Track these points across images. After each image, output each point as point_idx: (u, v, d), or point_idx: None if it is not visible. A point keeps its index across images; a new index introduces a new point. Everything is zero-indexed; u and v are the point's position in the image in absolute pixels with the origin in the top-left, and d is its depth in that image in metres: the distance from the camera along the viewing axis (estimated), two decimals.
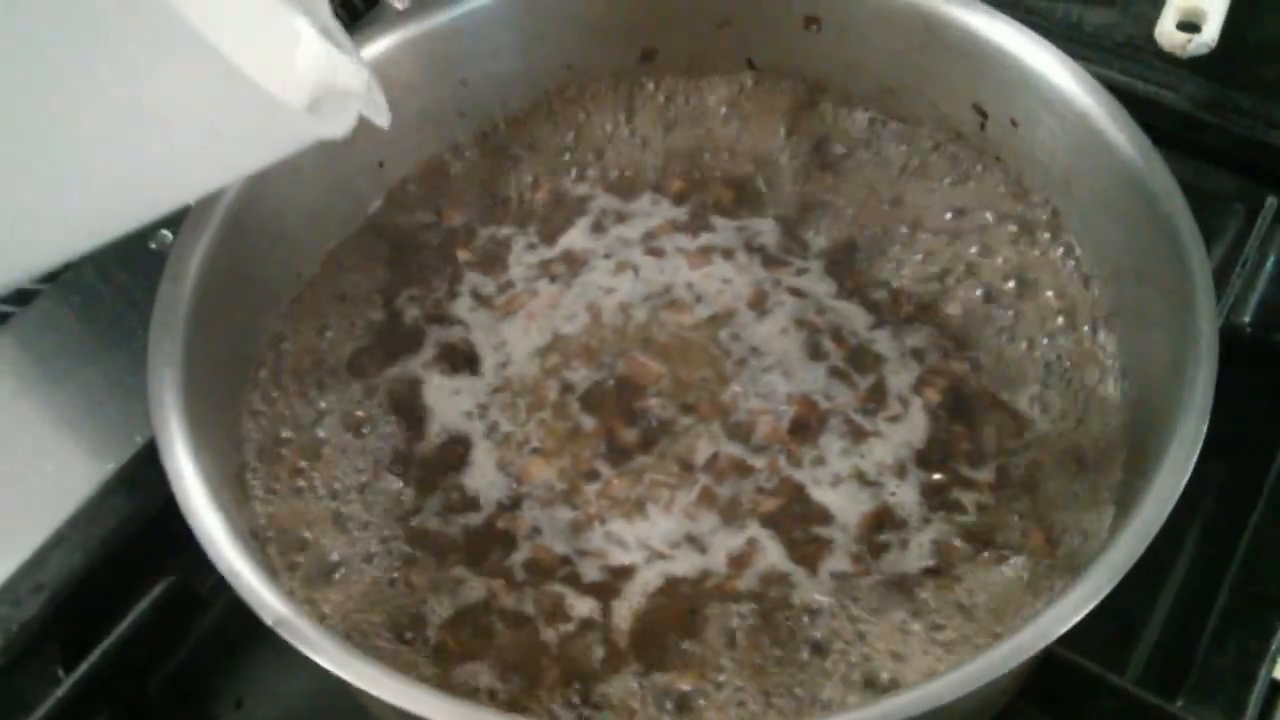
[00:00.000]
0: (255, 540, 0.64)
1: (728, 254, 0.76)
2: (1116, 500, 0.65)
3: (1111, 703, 0.65)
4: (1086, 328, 0.71)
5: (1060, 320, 0.71)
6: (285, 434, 0.69)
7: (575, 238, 0.77)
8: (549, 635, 0.63)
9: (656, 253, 0.76)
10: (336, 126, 0.55)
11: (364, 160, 0.77)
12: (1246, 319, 0.79)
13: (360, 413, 0.70)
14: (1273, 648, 0.66)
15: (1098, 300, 0.71)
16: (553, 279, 0.75)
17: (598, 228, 0.78)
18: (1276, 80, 0.86)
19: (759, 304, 0.74)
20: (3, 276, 0.53)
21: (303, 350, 0.73)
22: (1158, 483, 0.57)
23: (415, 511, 0.67)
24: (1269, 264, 0.81)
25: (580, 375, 0.71)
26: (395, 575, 0.65)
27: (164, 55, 0.44)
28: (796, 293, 0.74)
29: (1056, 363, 0.70)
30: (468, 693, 0.61)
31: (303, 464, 0.68)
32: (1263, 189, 0.82)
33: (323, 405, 0.71)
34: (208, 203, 0.68)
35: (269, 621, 0.54)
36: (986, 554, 0.64)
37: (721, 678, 0.61)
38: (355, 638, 0.62)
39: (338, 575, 0.65)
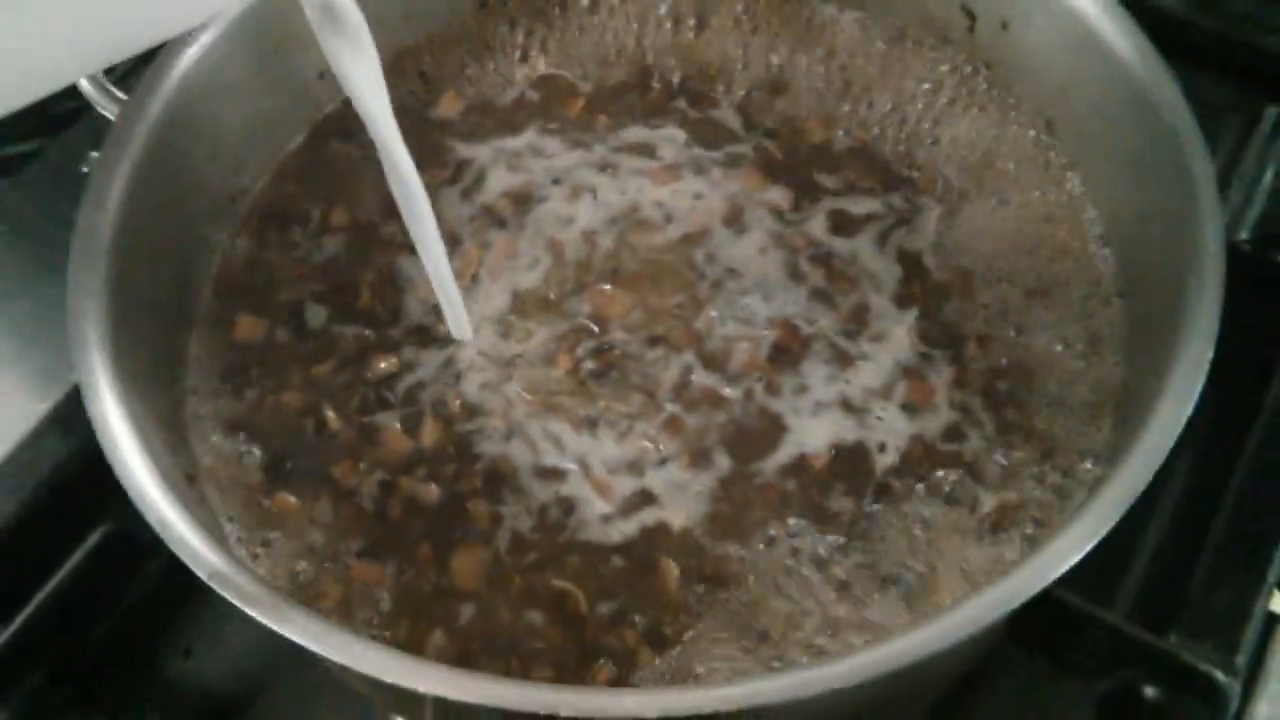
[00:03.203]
0: (193, 487, 0.60)
1: (699, 168, 0.71)
2: (1116, 424, 0.61)
3: (1101, 640, 0.63)
4: (1083, 244, 0.67)
5: (1057, 235, 0.68)
6: (232, 370, 0.65)
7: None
8: None
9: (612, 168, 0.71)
10: None
11: (305, 70, 0.72)
12: (1244, 235, 0.75)
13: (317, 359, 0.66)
14: (1269, 580, 0.63)
15: (1094, 218, 0.68)
16: (501, 224, 0.70)
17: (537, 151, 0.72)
18: None
19: (735, 220, 0.69)
20: None
21: (251, 275, 0.68)
22: (1160, 411, 0.54)
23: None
24: (1267, 177, 0.77)
25: (545, 336, 0.66)
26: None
27: None
28: (774, 209, 0.70)
29: (1051, 276, 0.66)
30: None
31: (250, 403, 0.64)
32: (1260, 98, 0.78)
33: (278, 337, 0.66)
34: (131, 116, 0.63)
35: (202, 576, 0.51)
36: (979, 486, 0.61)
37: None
38: (295, 590, 0.59)
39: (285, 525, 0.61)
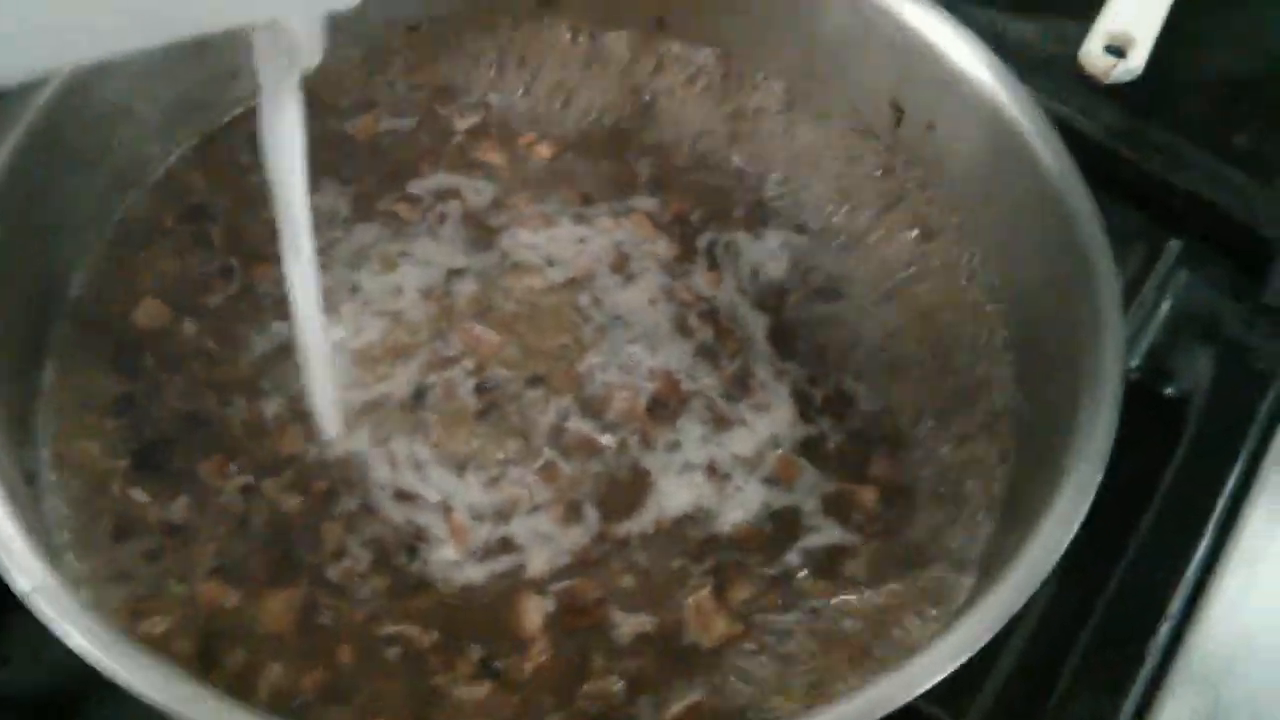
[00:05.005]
0: (30, 486, 0.56)
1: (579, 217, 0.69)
2: (994, 534, 0.60)
3: None
4: (984, 350, 0.66)
5: (960, 335, 0.67)
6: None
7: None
8: None
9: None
10: None
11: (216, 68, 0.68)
12: (1134, 364, 0.75)
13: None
14: (1126, 708, 0.62)
15: (995, 325, 0.67)
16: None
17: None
18: (1195, 118, 0.83)
19: (621, 268, 0.68)
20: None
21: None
22: (1043, 531, 0.53)
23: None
24: (1163, 309, 0.77)
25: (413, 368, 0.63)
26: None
27: None
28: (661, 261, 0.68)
29: (947, 376, 0.66)
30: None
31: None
32: (1166, 230, 0.79)
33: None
34: (16, 103, 0.59)
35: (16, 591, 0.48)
36: (832, 582, 0.59)
37: None
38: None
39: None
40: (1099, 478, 0.54)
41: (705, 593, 0.57)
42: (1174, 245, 0.77)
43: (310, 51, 0.48)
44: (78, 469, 0.59)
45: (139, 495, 0.59)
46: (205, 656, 0.55)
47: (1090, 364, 0.58)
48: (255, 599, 0.57)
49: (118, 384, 0.62)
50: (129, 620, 0.55)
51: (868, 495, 0.61)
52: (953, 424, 0.64)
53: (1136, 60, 0.80)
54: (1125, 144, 0.81)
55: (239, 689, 0.54)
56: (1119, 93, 0.81)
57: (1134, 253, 0.78)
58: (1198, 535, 0.68)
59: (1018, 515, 0.58)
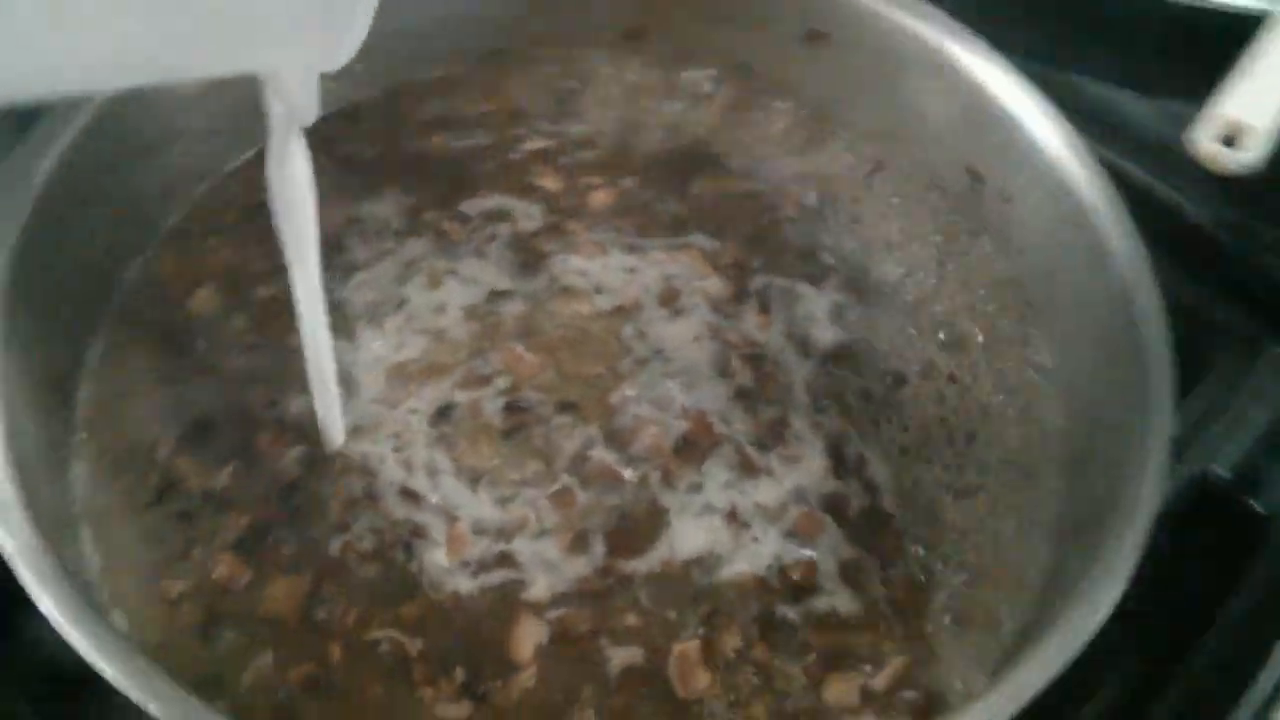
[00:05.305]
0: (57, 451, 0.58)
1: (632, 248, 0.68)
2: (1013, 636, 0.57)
3: None
4: (1030, 436, 0.63)
5: (1008, 410, 0.64)
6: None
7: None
8: None
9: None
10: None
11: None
12: (1223, 472, 0.70)
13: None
14: None
15: (1045, 409, 0.64)
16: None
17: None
18: None
19: (669, 302, 0.66)
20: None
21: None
22: (1046, 654, 0.50)
23: None
24: (1260, 417, 0.72)
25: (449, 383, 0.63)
26: None
27: None
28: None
29: (992, 449, 0.62)
30: None
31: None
32: (1266, 332, 0.74)
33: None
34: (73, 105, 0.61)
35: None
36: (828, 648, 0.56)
37: None
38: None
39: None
40: (1117, 595, 0.51)
41: (694, 643, 0.55)
42: (1275, 352, 0.73)
43: (306, 108, 0.49)
44: (119, 436, 0.61)
45: (184, 463, 0.60)
46: (206, 629, 0.56)
47: (1134, 468, 0.54)
48: (264, 581, 0.57)
49: (168, 362, 0.63)
50: (150, 577, 0.57)
51: (886, 569, 0.59)
52: (986, 508, 0.61)
53: (1250, 151, 0.75)
54: (1234, 236, 0.77)
55: (227, 671, 0.55)
56: (1233, 182, 0.77)
57: (1233, 352, 0.74)
58: (1266, 654, 0.63)
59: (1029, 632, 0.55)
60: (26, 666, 0.62)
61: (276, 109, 0.50)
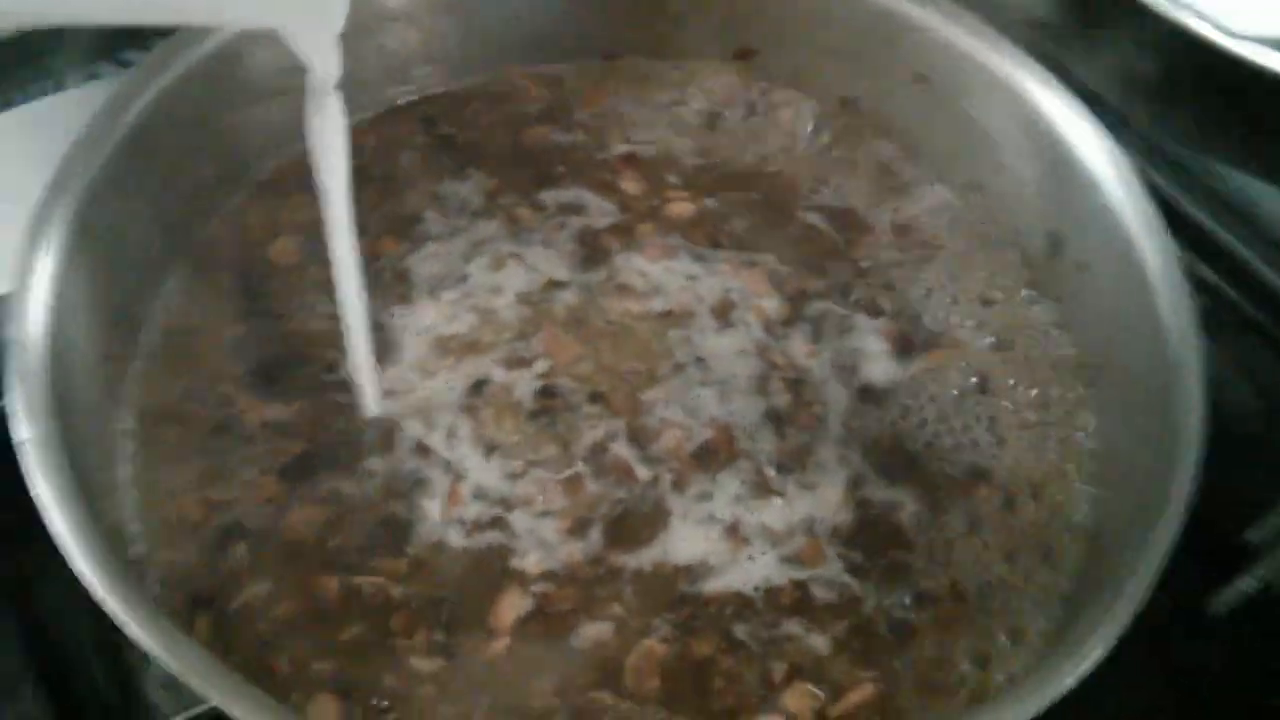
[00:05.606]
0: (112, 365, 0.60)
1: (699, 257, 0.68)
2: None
3: None
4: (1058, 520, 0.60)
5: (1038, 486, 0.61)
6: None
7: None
8: None
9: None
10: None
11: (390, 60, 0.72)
12: None
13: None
14: None
15: (1078, 496, 0.61)
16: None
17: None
18: None
19: (722, 314, 0.66)
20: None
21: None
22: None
23: None
24: None
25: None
26: None
27: None
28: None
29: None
30: None
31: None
32: None
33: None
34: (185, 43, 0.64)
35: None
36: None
37: None
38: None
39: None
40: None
41: (662, 646, 0.55)
42: None
43: (325, 66, 0.51)
44: (184, 364, 0.63)
45: (244, 398, 0.62)
46: (224, 541, 0.57)
47: (1144, 569, 0.51)
48: (292, 505, 0.58)
49: (241, 303, 0.66)
50: (183, 491, 0.58)
51: (877, 609, 0.57)
52: (997, 566, 0.59)
53: None
54: None
55: (223, 592, 0.56)
56: None
57: None
58: None
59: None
60: None
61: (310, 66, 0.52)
